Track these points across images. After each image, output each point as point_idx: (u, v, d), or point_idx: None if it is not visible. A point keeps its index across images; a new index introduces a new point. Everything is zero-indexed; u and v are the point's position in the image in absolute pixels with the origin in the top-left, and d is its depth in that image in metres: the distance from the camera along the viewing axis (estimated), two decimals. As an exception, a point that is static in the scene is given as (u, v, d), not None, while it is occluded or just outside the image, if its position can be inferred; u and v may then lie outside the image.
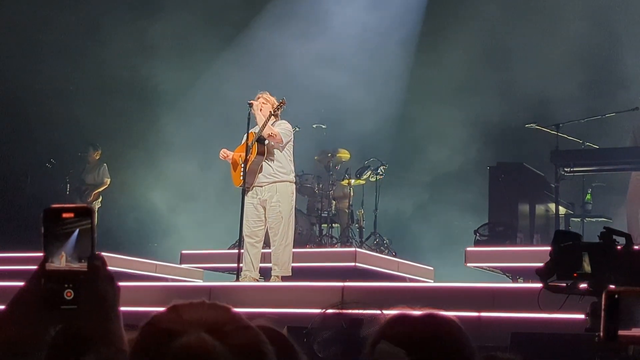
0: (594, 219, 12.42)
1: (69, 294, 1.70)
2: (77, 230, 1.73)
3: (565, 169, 11.47)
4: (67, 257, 1.72)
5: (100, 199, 14.76)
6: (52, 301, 1.70)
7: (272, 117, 10.01)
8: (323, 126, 14.77)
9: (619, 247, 4.64)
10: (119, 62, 16.67)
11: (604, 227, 4.62)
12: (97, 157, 14.91)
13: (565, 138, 11.86)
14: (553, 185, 11.62)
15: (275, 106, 10.10)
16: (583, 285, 4.56)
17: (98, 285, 1.73)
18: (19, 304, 1.72)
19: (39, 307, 1.70)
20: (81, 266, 1.72)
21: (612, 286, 1.86)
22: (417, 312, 2.47)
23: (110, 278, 1.76)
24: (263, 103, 10.13)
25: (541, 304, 5.18)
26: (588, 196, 12.46)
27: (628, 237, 4.64)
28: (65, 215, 1.75)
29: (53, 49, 15.99)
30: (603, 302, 1.81)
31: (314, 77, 15.93)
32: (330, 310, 7.05)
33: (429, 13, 17.04)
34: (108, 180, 14.76)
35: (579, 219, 12.40)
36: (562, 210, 12.01)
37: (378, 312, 7.67)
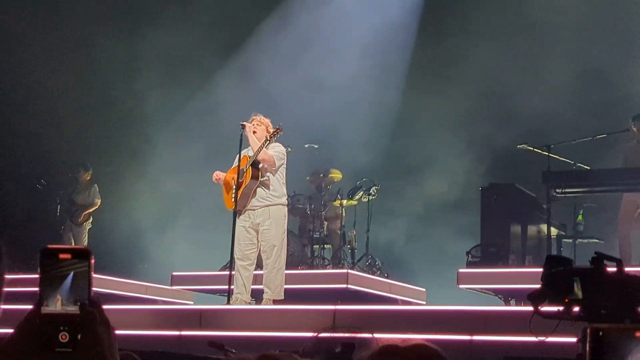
0: (585, 240, 12.41)
1: (64, 337, 1.67)
2: (72, 273, 1.70)
3: (557, 190, 11.47)
4: (62, 300, 1.68)
5: (90, 220, 14.73)
6: (46, 344, 1.66)
7: (267, 141, 10.01)
8: (315, 146, 14.75)
9: (610, 271, 4.62)
10: (111, 82, 16.65)
11: (595, 252, 4.60)
12: (88, 178, 14.88)
13: (556, 159, 11.87)
14: (545, 206, 11.61)
15: (271, 131, 10.09)
16: (575, 310, 4.53)
17: (94, 329, 1.69)
18: (13, 346, 1.68)
19: (34, 350, 1.67)
20: (77, 309, 1.68)
21: (597, 324, 1.83)
22: (406, 343, 2.44)
23: (106, 322, 1.73)
24: (257, 124, 10.12)
25: (533, 328, 5.15)
26: (580, 217, 12.46)
27: (619, 262, 4.62)
28: (62, 256, 1.71)
29: (43, 68, 15.96)
30: (588, 339, 1.79)
31: (306, 97, 15.95)
32: (322, 334, 7.03)
33: (421, 42, 17.06)
34: (99, 201, 14.73)
35: (570, 240, 12.39)
36: (554, 231, 11.99)
37: (370, 336, 7.62)
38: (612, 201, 12.59)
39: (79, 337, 1.67)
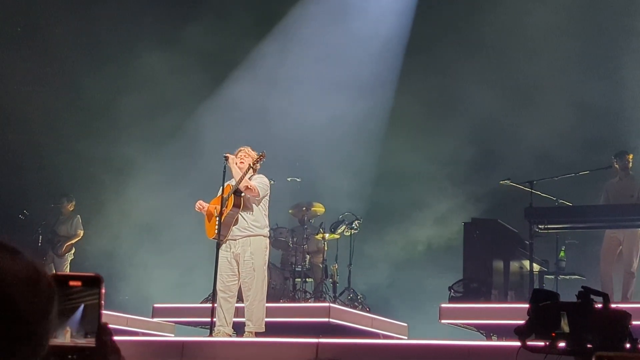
0: (567, 277, 12.45)
1: None
2: (83, 306, 1.67)
3: (540, 226, 11.51)
4: (72, 332, 1.66)
5: (73, 251, 14.65)
6: None
7: (251, 170, 10.00)
8: (298, 179, 14.75)
9: (596, 306, 4.64)
10: (94, 109, 16.64)
11: (582, 287, 4.62)
12: (71, 209, 14.83)
13: (539, 195, 11.92)
14: (527, 242, 11.65)
15: (255, 159, 10.10)
16: (561, 345, 4.54)
17: (105, 357, 1.69)
18: None
19: None
20: (87, 342, 1.66)
21: (602, 352, 1.85)
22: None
23: (117, 350, 1.73)
24: (244, 157, 10.12)
25: (518, 362, 5.15)
26: (562, 253, 12.50)
27: (605, 296, 4.64)
28: (72, 283, 1.67)
29: (27, 97, 15.94)
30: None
31: (289, 130, 15.97)
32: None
33: (406, 79, 17.14)
34: (81, 232, 14.68)
35: (552, 276, 12.42)
36: (536, 267, 12.02)
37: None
38: (594, 237, 12.66)
39: None
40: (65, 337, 1.64)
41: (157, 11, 16.79)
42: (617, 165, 12.27)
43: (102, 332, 1.68)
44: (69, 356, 1.64)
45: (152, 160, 16.71)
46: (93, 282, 1.68)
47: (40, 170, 15.80)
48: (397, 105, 17.08)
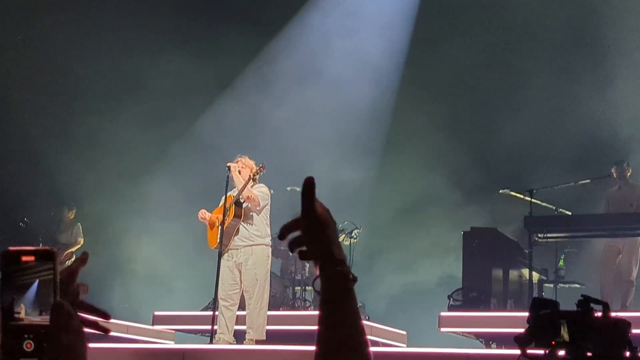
0: (567, 285, 12.47)
1: (28, 346, 1.58)
2: (37, 281, 1.59)
3: (539, 235, 11.54)
4: (26, 309, 1.59)
5: (73, 259, 14.66)
6: (10, 353, 1.57)
7: (251, 180, 10.04)
8: (297, 189, 14.76)
9: (596, 315, 4.66)
10: (95, 116, 16.67)
11: (582, 295, 4.64)
12: (72, 217, 14.85)
13: (538, 204, 11.96)
14: (526, 251, 11.68)
15: (254, 170, 10.13)
16: (561, 354, 4.57)
17: (62, 338, 1.60)
18: None
19: None
20: (42, 319, 1.59)
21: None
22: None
23: (78, 330, 1.64)
24: (242, 167, 10.16)
25: (518, 371, 5.18)
26: (561, 262, 12.52)
27: (605, 305, 4.66)
28: (25, 258, 1.60)
29: (26, 106, 15.96)
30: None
31: (289, 139, 16.00)
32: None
33: (405, 80, 17.18)
34: (82, 240, 14.70)
35: (552, 285, 12.44)
36: (535, 275, 12.04)
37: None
38: (593, 246, 12.69)
39: (44, 345, 1.58)
40: (19, 314, 1.58)
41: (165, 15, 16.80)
42: (616, 174, 12.30)
43: (57, 310, 1.59)
44: (25, 335, 1.57)
45: (157, 164, 16.72)
46: (47, 257, 1.61)
47: (40, 177, 15.80)
48: (397, 109, 17.13)
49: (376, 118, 17.08)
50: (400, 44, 17.27)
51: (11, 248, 1.62)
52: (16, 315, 1.58)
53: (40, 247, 1.65)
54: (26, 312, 1.58)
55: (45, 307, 1.60)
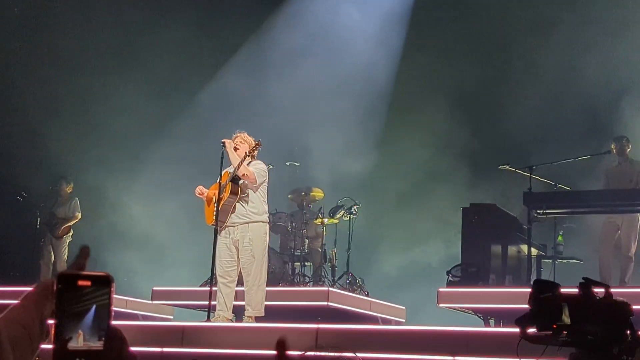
0: (565, 261, 12.49)
1: None
2: (95, 307, 1.61)
3: (538, 211, 11.54)
4: (84, 335, 1.60)
5: (71, 233, 14.67)
6: None
7: (248, 157, 9.98)
8: (296, 164, 14.75)
9: (597, 297, 4.66)
10: (94, 100, 16.62)
11: (583, 278, 4.64)
12: (69, 191, 14.83)
13: (538, 180, 11.94)
14: (525, 227, 11.67)
15: (251, 147, 10.08)
16: (562, 336, 4.56)
17: None
18: None
19: None
20: (100, 345, 1.61)
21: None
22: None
23: (129, 357, 1.66)
24: (240, 142, 10.10)
25: (520, 351, 5.18)
26: (559, 238, 12.54)
27: (607, 288, 4.66)
28: (81, 283, 1.61)
29: (26, 85, 15.92)
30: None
31: (288, 115, 15.95)
32: (308, 353, 7.04)
33: (405, 59, 17.11)
34: (79, 215, 14.68)
35: (550, 260, 12.46)
36: (534, 251, 12.05)
37: (352, 355, 7.63)
38: (592, 221, 12.69)
39: None
40: (77, 340, 1.58)
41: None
42: (615, 150, 12.28)
43: (112, 336, 1.62)
44: (77, 359, 1.58)
45: (154, 141, 16.70)
46: (104, 282, 1.62)
47: (39, 152, 15.78)
48: (398, 88, 17.08)
49: (380, 94, 17.04)
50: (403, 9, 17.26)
51: (66, 272, 1.63)
52: (71, 342, 1.59)
53: (97, 272, 1.67)
54: (84, 339, 1.60)
55: (102, 331, 1.61)
